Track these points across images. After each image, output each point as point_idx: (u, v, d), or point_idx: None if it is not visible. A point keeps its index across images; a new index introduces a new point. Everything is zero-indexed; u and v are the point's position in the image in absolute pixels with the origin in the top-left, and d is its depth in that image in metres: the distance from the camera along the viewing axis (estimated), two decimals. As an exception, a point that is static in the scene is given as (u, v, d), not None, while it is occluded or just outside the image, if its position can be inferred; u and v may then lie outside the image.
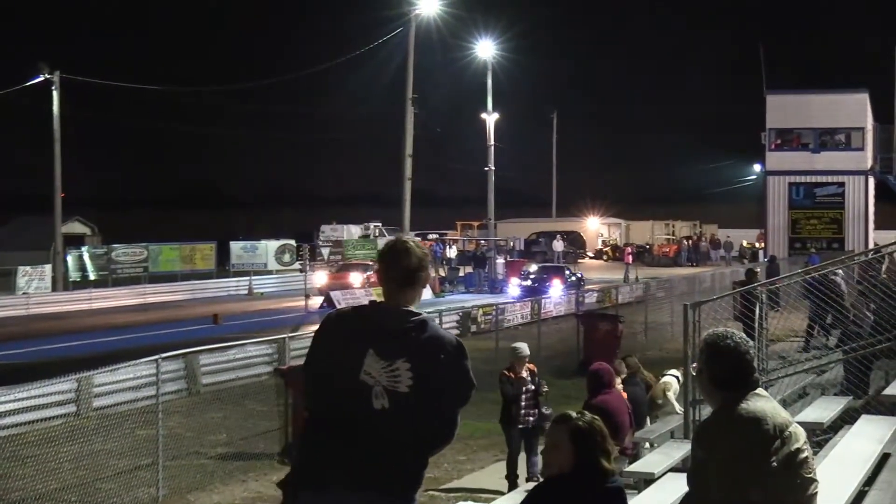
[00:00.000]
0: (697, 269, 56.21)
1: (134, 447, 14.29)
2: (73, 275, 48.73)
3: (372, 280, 42.06)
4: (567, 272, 47.80)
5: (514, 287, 45.19)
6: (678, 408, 13.56)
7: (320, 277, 46.39)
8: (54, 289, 46.28)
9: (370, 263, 45.43)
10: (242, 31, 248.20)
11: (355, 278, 44.61)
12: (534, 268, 48.80)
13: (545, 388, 12.89)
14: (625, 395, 11.80)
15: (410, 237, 4.71)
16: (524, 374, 12.55)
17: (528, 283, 44.79)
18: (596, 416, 4.70)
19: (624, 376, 12.92)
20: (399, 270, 4.35)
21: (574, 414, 4.69)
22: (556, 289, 42.23)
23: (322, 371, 4.36)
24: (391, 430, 4.16)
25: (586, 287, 43.20)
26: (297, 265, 51.33)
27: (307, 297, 40.51)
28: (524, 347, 12.86)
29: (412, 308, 4.34)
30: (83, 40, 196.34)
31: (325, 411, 4.31)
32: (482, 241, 59.30)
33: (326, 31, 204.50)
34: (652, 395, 13.65)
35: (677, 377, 13.50)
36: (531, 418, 12.47)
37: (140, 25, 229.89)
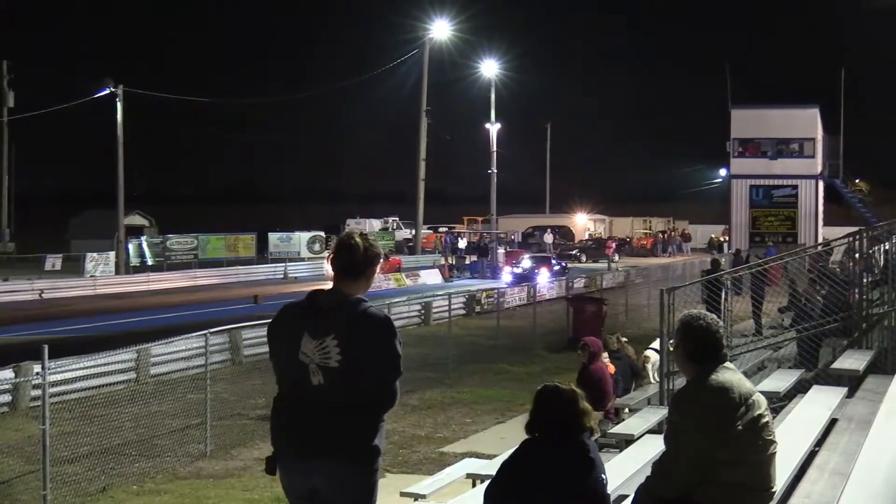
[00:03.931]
0: (670, 259, 56.15)
1: (185, 409, 14.29)
2: (134, 260, 48.65)
3: (384, 268, 42.06)
4: (553, 261, 47.72)
5: (507, 274, 45.05)
6: (654, 378, 13.54)
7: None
8: (117, 272, 46.23)
9: (381, 253, 45.27)
10: (281, 53, 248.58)
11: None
12: (525, 257, 48.75)
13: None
14: (612, 367, 11.77)
15: (360, 233, 4.44)
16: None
17: (519, 270, 44.65)
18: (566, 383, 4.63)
19: (613, 349, 12.89)
20: (342, 261, 4.24)
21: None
22: (542, 276, 42.00)
23: (275, 355, 4.32)
24: (329, 403, 4.03)
25: (574, 275, 43.02)
26: (325, 253, 51.11)
27: (335, 281, 40.33)
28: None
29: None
30: (137, 54, 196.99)
31: (283, 389, 4.25)
32: (485, 234, 59.22)
33: (351, 51, 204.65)
34: (636, 367, 13.63)
35: (656, 350, 13.48)
36: None
37: (188, 45, 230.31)
